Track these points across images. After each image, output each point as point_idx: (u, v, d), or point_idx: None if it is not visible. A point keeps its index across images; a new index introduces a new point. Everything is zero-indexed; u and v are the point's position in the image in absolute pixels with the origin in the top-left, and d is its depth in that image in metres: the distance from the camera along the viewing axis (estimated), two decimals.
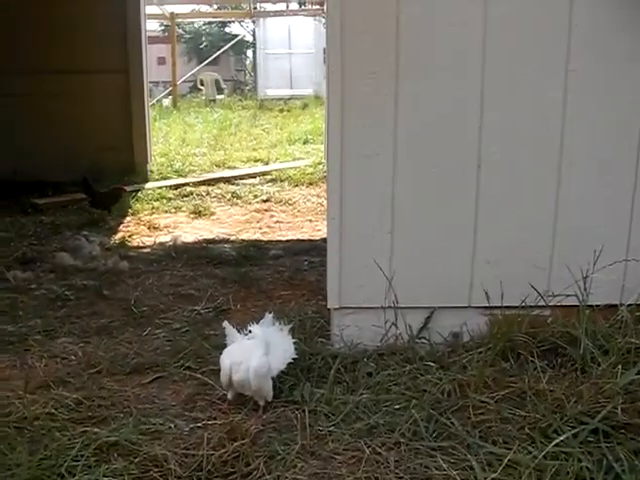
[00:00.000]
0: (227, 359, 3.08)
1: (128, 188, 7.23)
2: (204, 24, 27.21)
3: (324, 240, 5.76)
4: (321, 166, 9.06)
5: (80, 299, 4.52)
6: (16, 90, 7.89)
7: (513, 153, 3.41)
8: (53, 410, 3.00)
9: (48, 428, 2.87)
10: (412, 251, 3.47)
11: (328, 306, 3.56)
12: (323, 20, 22.01)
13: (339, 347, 3.47)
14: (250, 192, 7.93)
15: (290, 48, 21.64)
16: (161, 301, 4.47)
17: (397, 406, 2.96)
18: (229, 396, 3.09)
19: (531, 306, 3.46)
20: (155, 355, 3.63)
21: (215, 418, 3.00)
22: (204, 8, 23.86)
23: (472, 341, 3.49)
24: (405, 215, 3.42)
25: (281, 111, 18.00)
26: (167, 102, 19.70)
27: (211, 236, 6.07)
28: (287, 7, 23.46)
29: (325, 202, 7.13)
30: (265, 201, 7.55)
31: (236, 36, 25.82)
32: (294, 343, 3.25)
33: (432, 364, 3.21)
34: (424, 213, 3.45)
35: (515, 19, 3.31)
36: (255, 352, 3.02)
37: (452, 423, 2.81)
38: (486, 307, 3.51)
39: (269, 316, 3.29)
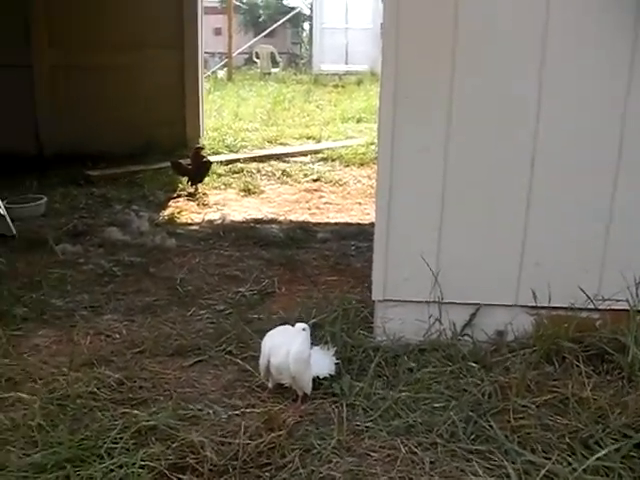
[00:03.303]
0: (268, 342, 3.10)
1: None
2: None
3: (372, 225, 5.71)
4: (373, 146, 8.96)
5: (127, 276, 4.58)
6: (75, 64, 8.01)
7: (569, 152, 3.30)
8: (95, 389, 3.06)
9: (90, 407, 2.93)
10: (460, 247, 3.41)
11: (372, 298, 3.53)
12: None
13: (381, 340, 3.44)
14: (300, 171, 7.89)
15: (347, 23, 21.43)
16: (206, 281, 4.50)
17: (436, 405, 2.93)
18: (269, 385, 3.09)
19: (579, 308, 3.39)
20: (198, 337, 3.65)
21: (253, 406, 3.00)
22: None
23: (516, 341, 3.43)
24: (454, 211, 3.36)
25: (335, 87, 17.83)
26: (222, 74, 19.73)
27: (259, 215, 6.07)
28: None
29: (375, 184, 7.14)
30: (315, 181, 7.49)
31: (293, 9, 25.64)
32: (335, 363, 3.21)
33: (474, 364, 3.17)
34: (473, 210, 3.38)
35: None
36: (297, 338, 3.02)
37: (491, 426, 2.77)
38: (533, 307, 3.44)
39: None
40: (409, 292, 3.45)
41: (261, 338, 3.21)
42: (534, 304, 3.42)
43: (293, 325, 3.11)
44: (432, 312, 3.44)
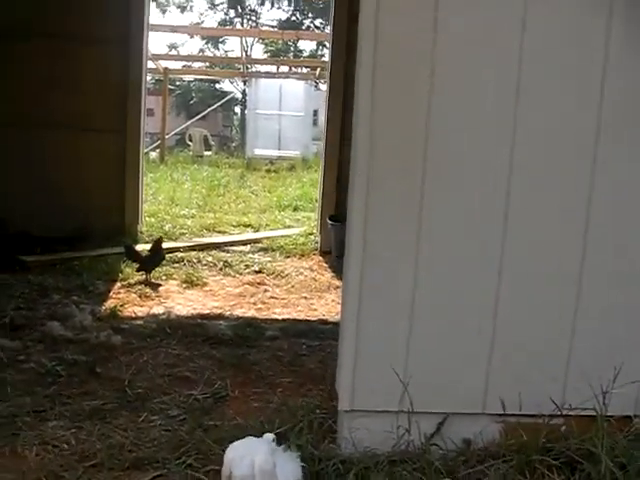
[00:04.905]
0: (230, 453, 2.92)
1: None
2: (195, 80, 27.40)
3: (321, 321, 5.72)
4: (312, 236, 8.99)
5: (71, 376, 4.32)
6: (17, 140, 7.82)
7: (535, 265, 3.38)
8: None
9: None
10: (428, 357, 3.37)
11: (339, 408, 3.43)
12: (314, 84, 22.35)
13: (349, 451, 3.32)
14: (242, 261, 7.78)
15: (280, 110, 21.78)
16: (156, 382, 4.29)
17: None
18: None
19: (546, 415, 3.37)
20: (153, 448, 3.44)
21: None
22: (196, 64, 24.09)
23: (485, 450, 3.37)
24: (423, 322, 3.33)
25: (268, 172, 18.03)
26: (154, 155, 19.69)
27: (205, 310, 5.88)
28: (277, 69, 23.81)
29: (319, 277, 7.11)
30: (257, 272, 7.37)
31: (226, 93, 26.03)
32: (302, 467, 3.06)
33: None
34: (441, 320, 3.37)
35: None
36: (261, 448, 2.87)
37: None
38: (500, 414, 3.42)
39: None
40: (377, 402, 3.36)
41: (220, 448, 3.07)
42: (501, 412, 3.39)
43: (255, 436, 2.99)
44: (400, 422, 3.35)
